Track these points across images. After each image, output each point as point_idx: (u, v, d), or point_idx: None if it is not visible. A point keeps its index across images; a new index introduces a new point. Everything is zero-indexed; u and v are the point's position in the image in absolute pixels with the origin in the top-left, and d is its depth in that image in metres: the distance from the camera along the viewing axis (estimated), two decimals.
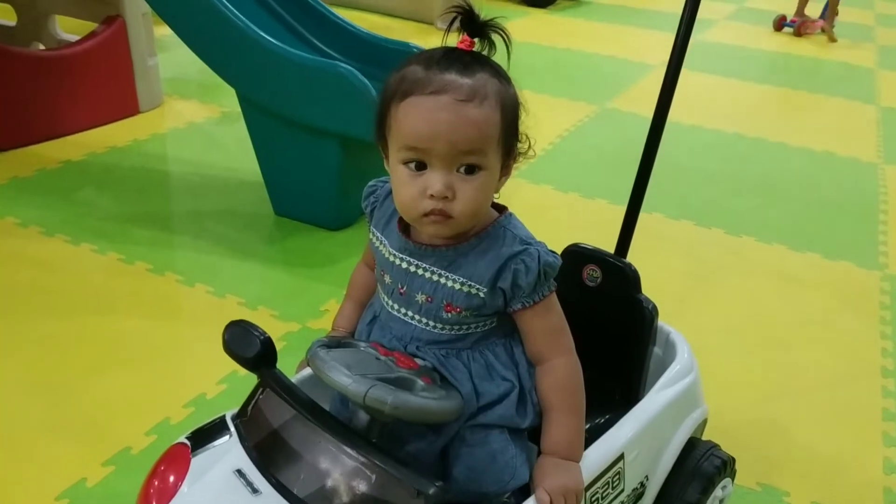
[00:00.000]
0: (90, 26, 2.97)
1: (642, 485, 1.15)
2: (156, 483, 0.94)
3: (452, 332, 0.98)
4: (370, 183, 1.06)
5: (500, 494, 0.99)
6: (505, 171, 0.96)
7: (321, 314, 1.90)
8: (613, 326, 1.24)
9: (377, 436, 0.92)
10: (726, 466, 1.27)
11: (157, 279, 1.99)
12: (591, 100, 3.70)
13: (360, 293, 1.15)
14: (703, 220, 2.56)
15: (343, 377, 0.87)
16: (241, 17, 2.11)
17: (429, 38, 4.46)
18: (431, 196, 0.89)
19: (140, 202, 2.40)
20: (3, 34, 3.09)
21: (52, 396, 1.56)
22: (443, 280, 0.96)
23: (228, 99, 2.30)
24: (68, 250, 2.10)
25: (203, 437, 0.97)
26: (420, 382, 0.92)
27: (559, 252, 1.27)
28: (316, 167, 2.19)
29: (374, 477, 0.86)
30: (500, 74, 0.93)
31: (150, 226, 2.25)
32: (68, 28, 3.17)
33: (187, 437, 0.97)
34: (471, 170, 0.90)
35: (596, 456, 1.05)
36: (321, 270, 2.11)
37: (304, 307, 1.93)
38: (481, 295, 0.95)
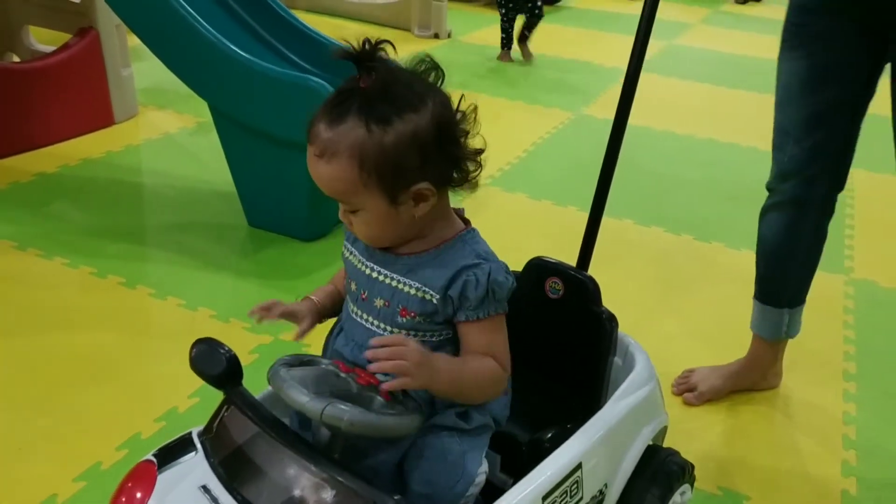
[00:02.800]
0: (64, 37, 2.97)
1: (601, 492, 1.17)
2: (123, 500, 0.96)
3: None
4: None
5: (457, 498, 1.02)
6: (419, 200, 0.97)
7: (293, 326, 1.91)
8: (574, 338, 1.27)
9: (339, 451, 0.95)
10: (685, 472, 1.29)
11: (129, 293, 2.00)
12: (566, 106, 3.73)
13: (342, 282, 1.17)
14: (674, 227, 2.59)
15: (301, 396, 0.89)
16: (210, 28, 2.13)
17: (407, 45, 4.48)
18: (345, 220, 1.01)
19: (113, 215, 2.40)
20: None
21: (22, 412, 1.57)
22: (400, 286, 1.01)
23: (204, 109, 2.31)
24: (41, 264, 2.10)
25: (169, 453, 0.99)
26: (379, 399, 0.94)
27: (523, 265, 1.31)
28: (288, 179, 2.21)
29: (334, 492, 0.89)
30: (375, 120, 0.93)
31: (122, 239, 2.26)
32: (42, 39, 3.18)
33: (154, 455, 1.00)
34: (350, 210, 0.98)
35: (554, 465, 1.08)
36: (294, 282, 2.12)
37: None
38: (434, 301, 0.99)
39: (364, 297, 1.03)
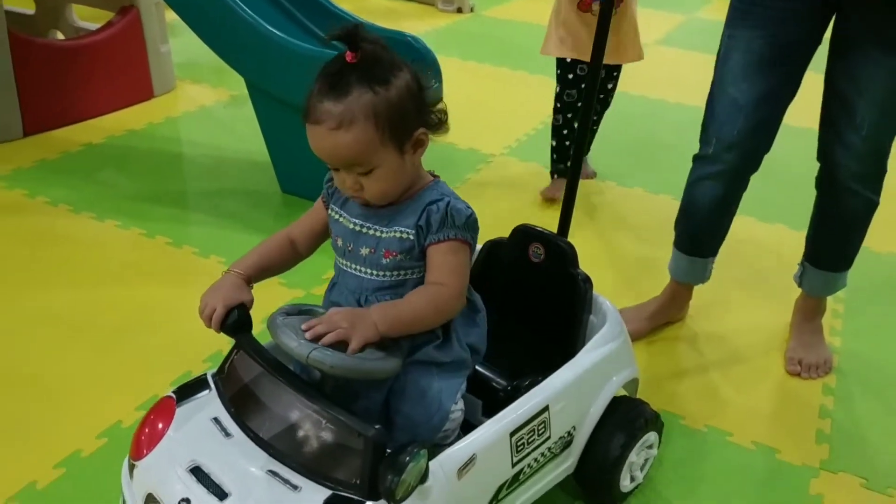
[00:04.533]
0: (105, 15, 3.15)
1: (569, 434, 1.32)
2: (146, 430, 1.13)
3: (392, 278, 1.16)
4: (329, 171, 1.21)
5: (434, 431, 1.15)
6: (417, 146, 1.13)
7: (323, 282, 2.10)
8: (554, 297, 1.41)
9: (330, 389, 1.09)
10: (651, 421, 1.43)
11: (175, 252, 2.20)
12: None
13: (267, 249, 1.26)
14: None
15: (290, 340, 1.03)
16: (247, 9, 2.30)
17: (430, 20, 4.61)
18: (348, 188, 1.13)
19: (157, 182, 2.60)
20: (23, 22, 3.26)
21: (86, 353, 1.78)
22: (382, 234, 1.16)
23: (237, 83, 2.48)
24: (94, 226, 2.31)
25: (187, 390, 1.17)
26: None
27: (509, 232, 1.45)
28: None
29: (325, 423, 1.04)
30: (377, 82, 1.07)
31: (167, 203, 2.45)
32: (83, 17, 3.36)
33: (174, 391, 1.17)
34: (365, 172, 1.10)
35: (522, 406, 1.22)
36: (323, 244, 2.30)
37: (307, 276, 2.11)
38: (410, 237, 1.14)
39: (350, 248, 1.18)
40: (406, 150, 1.12)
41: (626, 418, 1.40)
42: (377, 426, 1.02)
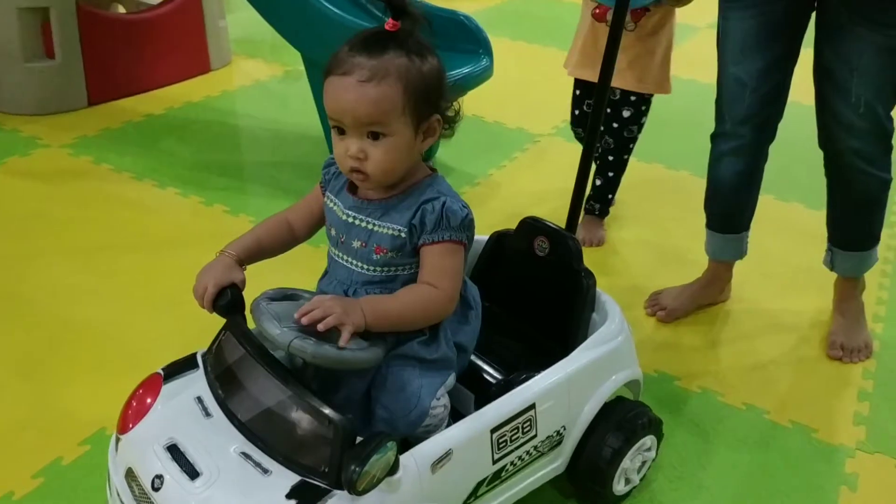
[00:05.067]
0: None
1: (559, 433, 1.29)
2: (133, 404, 1.16)
3: (383, 273, 1.15)
4: (329, 157, 1.22)
5: (412, 426, 1.14)
6: (428, 133, 1.12)
7: None
8: (557, 293, 1.38)
9: (312, 376, 1.09)
10: (649, 426, 1.39)
11: (232, 219, 2.28)
12: None
13: (263, 231, 1.26)
14: None
15: (273, 328, 1.03)
16: None
17: (478, 3, 4.63)
18: (350, 156, 1.09)
19: (215, 152, 2.69)
20: None
21: (149, 311, 1.87)
22: (374, 227, 1.14)
23: (291, 58, 2.54)
24: (156, 193, 2.41)
25: (175, 368, 1.19)
26: None
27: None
28: None
29: (299, 409, 1.04)
30: (413, 52, 1.08)
31: (224, 173, 2.53)
32: None
33: (162, 369, 1.19)
34: (375, 136, 1.08)
35: (506, 403, 1.19)
36: None
37: None
38: (402, 235, 1.12)
39: (342, 240, 1.17)
40: (420, 130, 1.11)
41: (623, 420, 1.36)
42: (348, 415, 1.02)
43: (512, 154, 2.82)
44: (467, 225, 1.14)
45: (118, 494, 1.12)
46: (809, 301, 2.07)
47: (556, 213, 2.08)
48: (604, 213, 2.33)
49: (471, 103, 2.85)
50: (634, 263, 2.24)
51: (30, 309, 1.86)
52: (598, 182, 2.28)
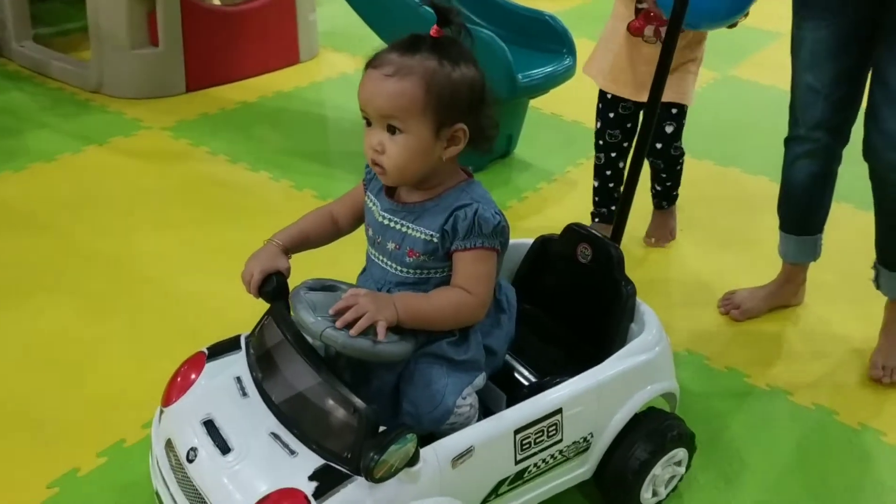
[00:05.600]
0: None
1: (585, 440, 1.29)
2: (178, 380, 1.23)
3: (415, 275, 1.18)
4: None
5: (436, 423, 1.16)
6: (452, 141, 1.13)
7: None
8: (597, 301, 1.38)
9: (344, 366, 1.14)
10: (681, 439, 1.38)
11: (320, 203, 2.37)
12: (713, 66, 3.67)
13: (308, 223, 1.30)
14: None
15: (308, 316, 1.08)
16: None
17: (562, 1, 4.62)
18: (371, 148, 1.13)
19: (304, 140, 2.81)
20: None
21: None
22: (408, 231, 1.17)
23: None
24: (249, 176, 2.54)
25: (220, 348, 1.26)
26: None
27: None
28: None
29: (328, 395, 1.09)
30: (447, 58, 1.10)
31: (313, 160, 2.65)
32: None
33: (207, 348, 1.25)
34: (392, 130, 1.10)
35: (533, 406, 1.21)
36: None
37: None
38: (434, 240, 1.15)
39: (378, 241, 1.21)
40: (441, 136, 1.12)
41: (653, 432, 1.35)
42: (373, 406, 1.06)
43: (588, 152, 2.82)
44: (500, 231, 1.16)
45: (158, 464, 1.19)
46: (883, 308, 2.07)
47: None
48: (671, 201, 2.27)
49: (551, 101, 2.94)
50: (707, 264, 2.27)
51: (133, 278, 2.00)
52: (658, 188, 2.24)
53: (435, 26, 1.13)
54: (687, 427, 1.41)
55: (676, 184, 2.25)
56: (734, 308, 2.02)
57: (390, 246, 1.19)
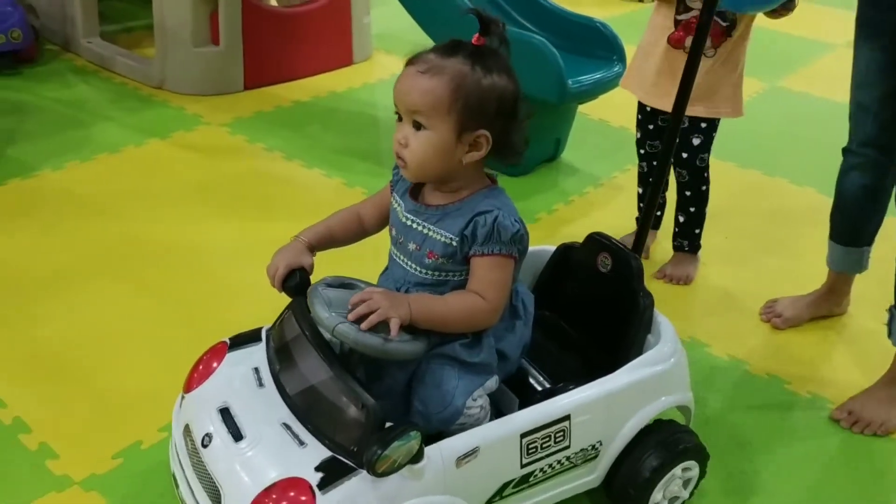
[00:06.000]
0: None
1: (594, 448, 1.30)
2: (200, 367, 1.28)
3: (434, 277, 1.21)
4: None
5: (445, 423, 1.18)
6: (474, 146, 1.15)
7: None
8: (615, 311, 1.39)
9: (358, 363, 1.16)
10: (691, 451, 1.37)
11: None
12: (761, 76, 3.64)
13: (335, 221, 1.34)
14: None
15: (322, 311, 1.11)
16: None
17: (612, 8, 4.57)
18: (397, 141, 1.17)
19: (357, 139, 2.88)
20: None
21: None
22: (430, 233, 1.20)
23: None
24: (303, 173, 2.62)
25: (241, 339, 1.30)
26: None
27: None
28: None
29: (339, 390, 1.12)
30: (481, 65, 1.12)
31: (365, 159, 2.72)
32: None
33: (229, 339, 1.30)
34: (417, 126, 1.14)
35: (540, 411, 1.22)
36: None
37: None
38: (453, 244, 1.17)
39: (400, 241, 1.23)
40: (463, 139, 1.14)
41: (665, 443, 1.35)
42: (380, 402, 1.08)
43: (635, 159, 2.88)
44: (518, 239, 1.18)
45: (176, 448, 1.25)
46: None
47: (669, 220, 2.17)
48: (694, 248, 2.20)
49: (599, 107, 2.97)
50: (751, 272, 2.27)
51: (190, 266, 2.09)
52: (681, 219, 2.18)
53: (477, 35, 1.16)
54: (699, 440, 1.40)
55: (701, 214, 2.17)
56: (776, 316, 2.03)
57: (411, 246, 1.22)
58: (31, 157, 2.55)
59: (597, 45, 2.73)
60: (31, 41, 3.13)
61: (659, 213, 2.29)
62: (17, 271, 2.02)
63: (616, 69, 2.64)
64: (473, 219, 1.17)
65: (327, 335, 1.15)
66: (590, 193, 2.65)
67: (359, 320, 1.10)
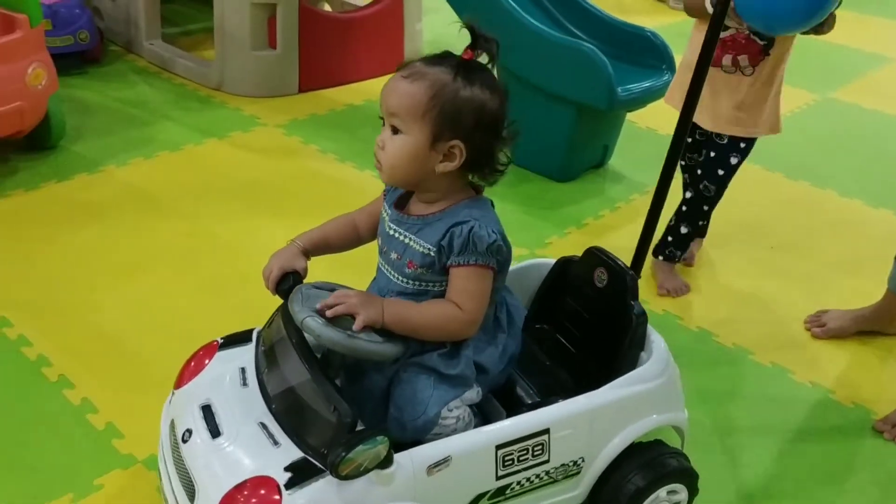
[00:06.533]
0: None
1: (576, 464, 1.27)
2: (191, 364, 1.31)
3: (414, 286, 1.21)
4: None
5: (419, 432, 1.19)
6: (448, 157, 1.15)
7: (546, 245, 2.35)
8: (609, 326, 1.37)
9: (339, 367, 1.19)
10: (680, 474, 1.34)
11: None
12: (813, 88, 3.59)
13: (331, 228, 1.36)
14: None
15: (295, 305, 1.13)
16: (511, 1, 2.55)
17: (661, 17, 4.57)
18: (377, 143, 1.19)
19: None
20: None
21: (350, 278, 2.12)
22: (410, 242, 1.21)
23: None
24: (356, 175, 2.69)
25: (233, 339, 1.33)
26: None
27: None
28: (553, 128, 2.59)
29: (314, 392, 1.14)
30: (464, 77, 1.13)
31: None
32: None
33: (222, 338, 1.33)
34: (395, 130, 1.15)
35: (518, 423, 1.21)
36: (547, 212, 2.53)
37: (531, 238, 2.36)
38: (431, 254, 1.18)
39: (384, 250, 1.25)
40: (437, 147, 1.15)
41: (651, 463, 1.32)
42: (354, 409, 1.09)
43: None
44: (494, 250, 1.17)
45: (162, 442, 1.29)
46: None
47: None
48: (680, 258, 2.19)
49: (647, 116, 2.99)
50: (796, 283, 2.28)
51: (246, 261, 2.14)
52: (683, 230, 2.15)
53: (467, 49, 1.16)
54: (688, 463, 1.37)
55: (704, 228, 2.20)
56: (818, 326, 2.03)
57: (393, 255, 1.23)
58: (97, 153, 2.68)
59: (647, 54, 2.75)
60: (96, 42, 3.27)
61: (704, 222, 2.30)
62: (84, 261, 2.14)
63: (665, 78, 2.66)
64: (450, 229, 1.17)
65: (310, 339, 1.18)
66: (636, 200, 2.66)
67: (344, 319, 1.12)
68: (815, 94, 3.67)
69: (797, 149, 3.07)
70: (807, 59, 4.23)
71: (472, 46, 1.17)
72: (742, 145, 2.04)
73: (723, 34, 1.94)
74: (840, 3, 1.75)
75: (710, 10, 1.90)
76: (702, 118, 2.02)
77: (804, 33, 1.88)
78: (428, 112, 1.13)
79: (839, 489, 1.61)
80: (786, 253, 2.42)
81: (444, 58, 1.17)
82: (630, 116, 2.85)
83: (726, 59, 1.96)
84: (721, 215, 2.35)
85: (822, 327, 2.02)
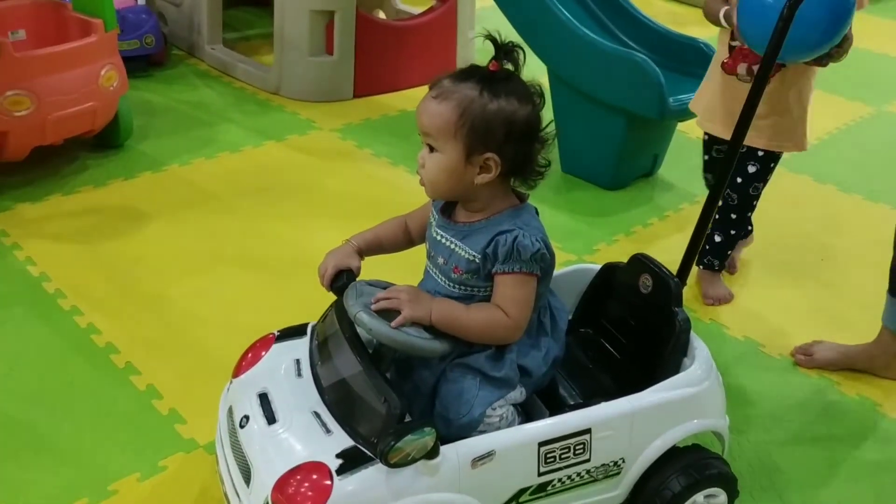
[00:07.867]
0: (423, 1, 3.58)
1: (616, 465, 1.30)
2: (249, 355, 1.37)
3: (460, 291, 1.25)
4: None
5: (463, 430, 1.22)
6: (484, 169, 1.18)
7: (594, 251, 2.38)
8: (654, 332, 1.39)
9: (390, 361, 1.23)
10: (719, 479, 1.36)
11: None
12: (869, 101, 3.55)
13: (384, 229, 1.41)
14: None
15: (349, 300, 1.19)
16: (562, 8, 2.60)
17: (712, 28, 4.64)
18: (418, 162, 1.24)
19: None
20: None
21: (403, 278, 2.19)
22: (455, 248, 1.25)
23: (528, 72, 2.81)
24: (408, 178, 2.73)
25: (288, 332, 1.39)
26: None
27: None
28: (603, 136, 2.62)
29: (365, 384, 1.19)
30: (490, 91, 1.16)
31: None
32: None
33: (278, 331, 1.39)
34: (431, 149, 1.20)
35: (561, 422, 1.24)
36: (596, 219, 2.55)
37: (580, 244, 2.40)
38: (476, 261, 1.22)
39: (432, 254, 1.29)
40: (472, 161, 1.18)
41: (692, 467, 1.35)
42: (404, 401, 1.14)
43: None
44: (538, 258, 1.21)
45: (220, 427, 1.35)
46: None
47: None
48: (722, 267, 2.18)
49: (697, 126, 3.00)
50: (846, 295, 2.27)
51: (304, 259, 2.19)
52: (717, 238, 2.13)
53: (493, 61, 1.20)
54: (727, 468, 1.39)
55: (738, 237, 2.17)
56: (804, 354, 1.95)
57: (440, 260, 1.27)
58: (161, 153, 2.79)
59: (698, 65, 2.73)
60: (161, 46, 3.39)
61: (750, 228, 2.30)
62: (150, 255, 2.24)
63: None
64: (495, 238, 1.21)
65: (363, 334, 1.23)
66: (684, 210, 2.67)
67: (391, 316, 1.17)
68: (871, 107, 3.61)
69: (850, 161, 3.05)
70: (861, 71, 4.18)
71: (497, 57, 1.20)
72: (760, 153, 2.00)
73: (738, 42, 1.94)
74: (845, 38, 1.73)
75: (723, 23, 1.93)
76: (716, 127, 2.04)
77: (813, 62, 1.85)
78: (458, 130, 1.17)
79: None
80: (835, 264, 2.41)
81: (470, 73, 1.20)
82: (680, 126, 2.86)
83: (741, 69, 1.96)
84: (773, 227, 2.37)
85: (809, 356, 1.95)
